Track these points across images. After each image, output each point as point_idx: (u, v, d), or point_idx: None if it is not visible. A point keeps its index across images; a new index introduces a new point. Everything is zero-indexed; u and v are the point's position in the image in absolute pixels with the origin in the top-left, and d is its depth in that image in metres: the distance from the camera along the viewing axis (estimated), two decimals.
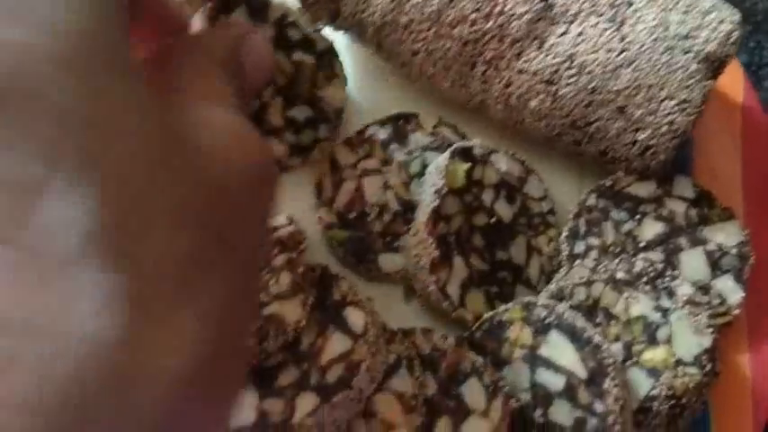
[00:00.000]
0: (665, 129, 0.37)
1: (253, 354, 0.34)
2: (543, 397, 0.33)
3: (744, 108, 0.45)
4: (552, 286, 0.38)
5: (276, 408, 0.32)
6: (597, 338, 0.33)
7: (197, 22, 0.27)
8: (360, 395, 0.33)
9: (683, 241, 0.39)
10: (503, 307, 0.36)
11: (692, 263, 0.39)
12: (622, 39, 0.36)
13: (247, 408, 0.33)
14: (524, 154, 0.42)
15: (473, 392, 0.33)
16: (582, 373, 0.32)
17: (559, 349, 0.33)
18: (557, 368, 0.33)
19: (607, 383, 0.32)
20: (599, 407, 0.32)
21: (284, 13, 0.41)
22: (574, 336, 0.33)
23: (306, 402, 0.32)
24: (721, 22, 0.37)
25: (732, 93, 0.45)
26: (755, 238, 0.39)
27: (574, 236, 0.40)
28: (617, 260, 0.38)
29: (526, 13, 0.37)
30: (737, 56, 0.47)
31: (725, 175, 0.42)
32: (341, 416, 0.32)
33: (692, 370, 0.35)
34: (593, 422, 0.32)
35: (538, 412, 0.33)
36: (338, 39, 0.43)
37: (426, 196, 0.38)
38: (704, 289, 0.38)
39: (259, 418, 0.32)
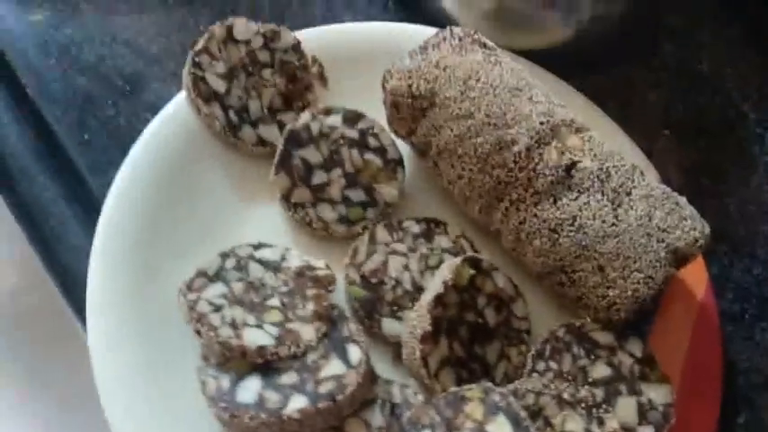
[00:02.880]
0: (629, 293, 0.47)
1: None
2: None
3: (701, 306, 0.54)
4: (510, 386, 0.46)
5: (273, 398, 0.41)
6: (532, 428, 0.41)
7: None
8: (339, 411, 0.41)
9: (622, 387, 0.48)
10: (467, 386, 0.44)
11: (625, 407, 0.47)
12: (615, 216, 0.47)
13: (251, 391, 0.41)
14: (523, 282, 0.52)
15: None
16: None
17: (501, 428, 0.41)
18: None
19: None
20: None
21: (371, 125, 0.54)
22: (516, 422, 0.42)
23: (297, 401, 0.41)
24: (694, 229, 0.48)
25: (696, 291, 0.55)
26: (679, 410, 0.48)
27: (539, 356, 0.49)
28: (566, 384, 0.47)
29: (551, 175, 0.48)
30: (709, 266, 0.57)
31: (671, 351, 0.52)
32: (319, 421, 0.41)
33: None
34: None
35: None
36: (406, 155, 0.55)
37: (435, 283, 0.48)
38: (629, 431, 0.47)
39: (257, 401, 0.41)
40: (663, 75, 0.70)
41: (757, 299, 0.60)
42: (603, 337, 0.50)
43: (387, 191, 0.54)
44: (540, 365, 0.49)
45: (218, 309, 0.44)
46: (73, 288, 0.51)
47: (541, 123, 0.49)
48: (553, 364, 0.49)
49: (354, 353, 0.43)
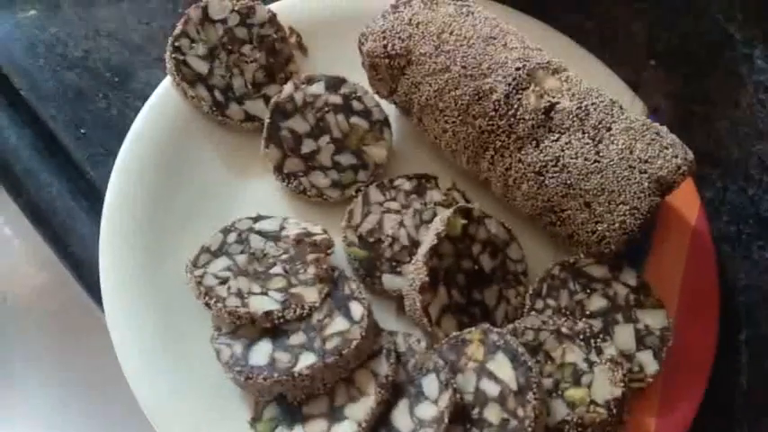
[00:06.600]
0: (617, 225, 0.48)
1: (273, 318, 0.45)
2: (482, 399, 0.43)
3: (694, 232, 0.56)
4: (509, 326, 0.48)
5: (284, 358, 0.43)
6: (530, 362, 0.43)
7: None
8: (346, 364, 0.43)
9: (619, 317, 0.50)
10: (467, 329, 0.46)
11: (623, 335, 0.49)
12: (597, 152, 0.48)
13: (262, 354, 0.44)
14: (517, 225, 0.53)
15: (430, 384, 0.44)
16: (513, 385, 0.43)
17: (501, 365, 0.44)
18: (496, 379, 0.43)
19: (529, 395, 0.42)
20: (520, 412, 0.42)
21: (353, 90, 0.55)
22: (514, 358, 0.44)
23: (307, 358, 0.43)
24: (675, 156, 0.49)
25: (688, 218, 0.56)
26: (679, 332, 0.50)
27: (537, 294, 0.51)
28: (564, 319, 0.49)
29: (531, 119, 0.49)
30: (703, 190, 0.58)
31: (668, 277, 0.53)
32: (329, 375, 0.43)
33: (602, 410, 0.45)
34: (513, 423, 0.42)
35: (475, 410, 0.43)
36: (392, 114, 0.56)
37: (429, 236, 0.50)
38: (628, 357, 0.49)
39: (269, 362, 0.43)
40: (645, 5, 0.69)
41: (753, 218, 0.61)
42: (597, 271, 0.51)
43: (375, 152, 0.55)
44: (539, 304, 0.51)
45: (224, 281, 0.47)
46: (88, 275, 0.53)
47: (517, 69, 0.50)
48: (551, 302, 0.51)
49: (356, 309, 0.46)
